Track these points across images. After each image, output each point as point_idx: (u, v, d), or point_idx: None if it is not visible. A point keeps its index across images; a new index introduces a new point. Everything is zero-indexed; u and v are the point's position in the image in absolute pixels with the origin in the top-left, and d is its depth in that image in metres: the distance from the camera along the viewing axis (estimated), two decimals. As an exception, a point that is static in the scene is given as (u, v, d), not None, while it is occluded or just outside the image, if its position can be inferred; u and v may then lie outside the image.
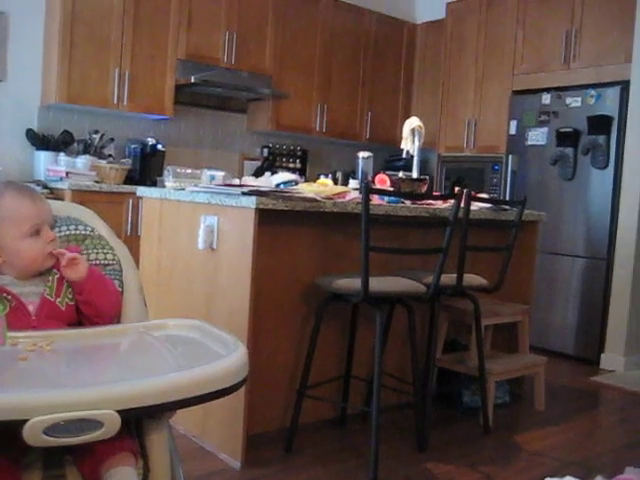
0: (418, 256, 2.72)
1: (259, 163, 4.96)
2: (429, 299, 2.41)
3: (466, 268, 2.50)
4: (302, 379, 2.36)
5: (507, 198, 4.38)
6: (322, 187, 2.50)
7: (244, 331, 2.17)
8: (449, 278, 2.45)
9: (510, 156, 4.47)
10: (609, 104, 3.97)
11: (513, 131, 4.46)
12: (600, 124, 3.97)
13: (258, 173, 4.36)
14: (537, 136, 4.32)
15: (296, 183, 2.59)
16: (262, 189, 2.24)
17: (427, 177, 2.85)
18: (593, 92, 4.04)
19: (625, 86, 3.91)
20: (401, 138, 2.97)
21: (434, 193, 2.74)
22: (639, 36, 3.84)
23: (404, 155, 2.92)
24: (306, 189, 2.41)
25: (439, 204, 2.72)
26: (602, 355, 3.95)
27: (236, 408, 2.21)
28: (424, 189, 2.66)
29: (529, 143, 4.36)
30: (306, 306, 2.51)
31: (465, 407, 2.93)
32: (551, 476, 2.00)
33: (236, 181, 2.65)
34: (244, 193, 2.17)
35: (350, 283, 2.21)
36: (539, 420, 2.92)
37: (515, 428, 2.82)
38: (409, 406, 2.74)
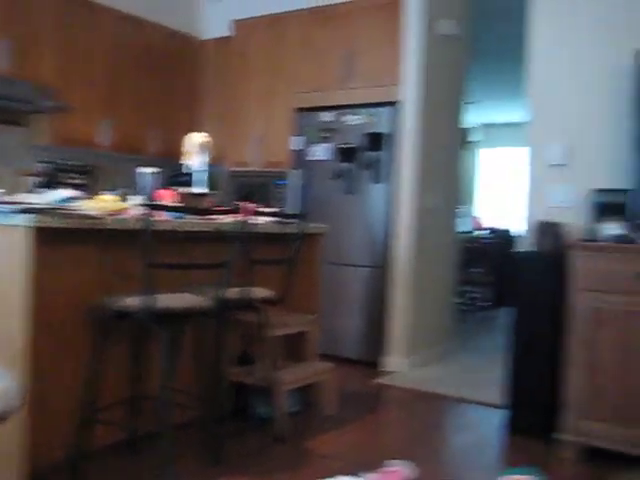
0: (209, 271, 2.84)
1: (39, 179, 4.78)
2: (216, 314, 2.53)
3: (256, 281, 2.68)
4: (86, 403, 2.36)
5: (295, 212, 4.73)
6: (103, 203, 2.56)
7: (20, 357, 2.15)
8: (235, 292, 2.61)
9: (295, 171, 4.84)
10: (384, 122, 4.51)
11: (297, 147, 4.83)
12: (376, 141, 4.50)
13: (37, 189, 4.22)
14: (320, 152, 4.74)
15: (77, 200, 2.59)
16: (38, 206, 2.25)
17: (210, 192, 3.01)
18: (369, 111, 4.56)
19: (396, 106, 4.48)
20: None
21: (218, 208, 2.91)
22: (406, 61, 4.44)
23: (184, 170, 3.03)
24: (87, 206, 2.46)
25: (224, 219, 2.89)
26: (384, 357, 4.45)
27: (11, 441, 2.18)
28: (209, 204, 2.83)
29: (313, 158, 4.75)
30: (92, 327, 2.51)
31: (259, 418, 3.11)
32: (330, 476, 2.26)
33: (10, 197, 2.59)
34: (17, 211, 2.17)
35: (134, 301, 2.27)
36: (330, 425, 3.18)
37: (307, 434, 3.03)
38: (202, 422, 2.88)
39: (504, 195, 10.47)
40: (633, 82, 2.97)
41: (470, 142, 10.37)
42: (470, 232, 8.65)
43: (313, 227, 3.40)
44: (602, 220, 3.06)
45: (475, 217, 9.57)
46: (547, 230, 3.11)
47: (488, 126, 11.30)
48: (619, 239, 2.80)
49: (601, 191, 3.18)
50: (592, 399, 2.79)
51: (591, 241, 2.89)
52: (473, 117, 10.42)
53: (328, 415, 3.32)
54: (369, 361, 4.42)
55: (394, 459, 2.51)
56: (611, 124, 3.30)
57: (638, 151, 2.97)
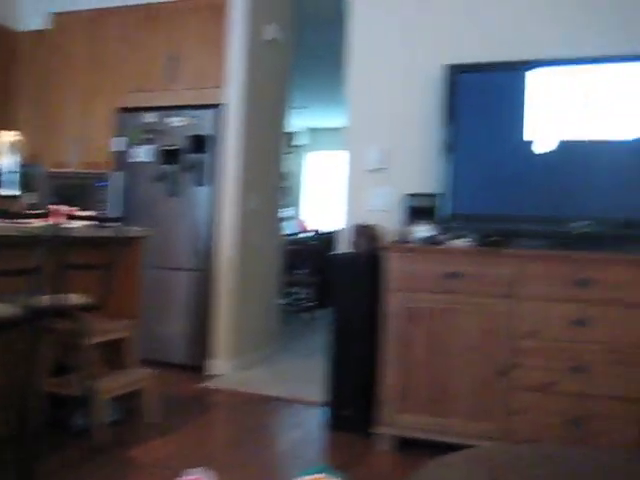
0: (20, 279, 2.72)
1: None
2: (27, 323, 2.43)
3: (73, 288, 2.59)
4: None
5: (117, 215, 4.62)
6: None
7: None
8: (48, 299, 2.52)
9: (117, 173, 4.73)
10: (207, 125, 4.54)
11: (120, 148, 4.71)
12: (199, 143, 4.52)
13: None
14: (143, 153, 4.66)
15: None
16: None
17: (22, 194, 2.87)
18: (193, 113, 4.57)
19: (220, 108, 4.53)
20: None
21: (31, 211, 2.78)
22: (231, 64, 4.52)
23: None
24: None
25: (35, 222, 2.76)
26: (209, 361, 4.49)
27: None
28: (20, 207, 2.70)
29: (136, 160, 4.67)
30: None
31: (78, 430, 3.01)
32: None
33: None
34: None
35: None
36: (153, 432, 3.14)
37: (129, 443, 2.98)
38: (14, 438, 2.75)
39: (329, 198, 10.90)
40: (442, 94, 3.27)
41: (296, 146, 10.67)
42: (296, 234, 8.92)
43: (133, 230, 3.36)
44: (414, 223, 3.33)
45: (301, 219, 9.87)
46: (363, 232, 3.31)
47: (314, 130, 11.69)
48: (428, 241, 3.06)
49: (413, 195, 3.45)
50: (405, 393, 3.02)
51: (403, 243, 3.13)
52: (299, 121, 10.73)
53: (151, 422, 3.28)
54: (195, 365, 4.42)
55: (201, 466, 2.54)
56: (424, 131, 3.59)
57: (446, 158, 3.25)
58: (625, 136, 2.99)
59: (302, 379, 4.34)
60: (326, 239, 6.75)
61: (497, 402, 2.88)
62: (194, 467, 2.59)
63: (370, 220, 3.47)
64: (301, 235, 8.56)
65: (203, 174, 4.45)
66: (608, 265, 2.76)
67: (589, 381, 2.77)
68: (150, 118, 4.60)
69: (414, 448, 3.02)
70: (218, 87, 4.48)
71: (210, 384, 4.10)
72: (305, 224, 9.01)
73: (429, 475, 1.86)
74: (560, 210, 3.07)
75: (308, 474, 2.25)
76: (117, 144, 4.69)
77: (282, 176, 5.31)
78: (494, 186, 3.18)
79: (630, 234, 2.95)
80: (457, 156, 3.24)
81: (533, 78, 3.15)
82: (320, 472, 2.26)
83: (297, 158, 11.24)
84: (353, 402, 3.24)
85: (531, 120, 3.14)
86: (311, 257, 6.99)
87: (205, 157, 4.45)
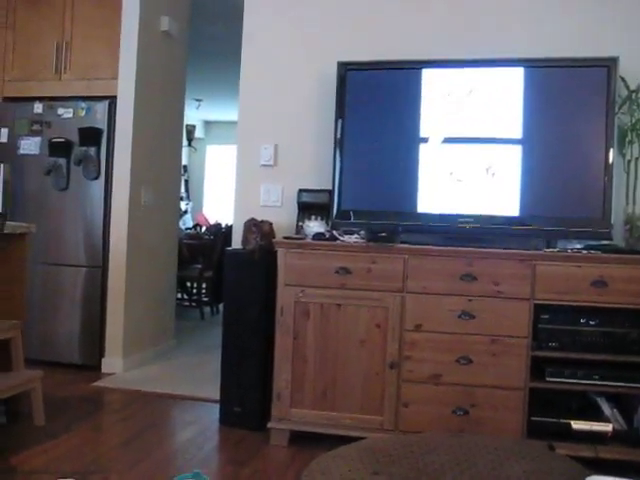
0: None
1: None
2: None
3: None
4: None
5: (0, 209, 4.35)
6: None
7: None
8: None
9: (1, 165, 4.44)
10: (99, 117, 4.35)
11: (4, 139, 4.45)
12: (91, 136, 4.32)
13: None
14: (30, 145, 4.41)
15: None
16: None
17: None
18: (84, 104, 4.36)
19: (113, 101, 4.35)
20: None
21: None
22: (124, 55, 4.34)
23: None
24: None
25: None
26: (103, 359, 4.32)
27: None
28: None
29: (22, 152, 4.41)
30: None
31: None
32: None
33: None
34: None
35: None
36: (40, 436, 2.99)
37: (13, 449, 2.81)
38: None
39: (228, 192, 10.79)
40: (336, 90, 3.26)
41: (196, 139, 10.47)
42: (195, 228, 8.77)
43: (17, 226, 3.16)
44: (306, 219, 3.32)
45: (200, 213, 9.71)
46: (255, 228, 3.27)
47: (212, 123, 11.52)
48: (318, 237, 3.06)
49: (306, 191, 3.44)
50: (298, 388, 3.01)
51: (294, 239, 3.11)
52: (200, 114, 10.54)
53: (39, 426, 3.13)
54: (89, 364, 4.26)
55: (88, 468, 2.45)
56: (319, 128, 3.58)
57: (337, 154, 3.25)
58: (505, 135, 3.08)
59: (198, 376, 4.26)
60: (224, 234, 6.65)
61: (387, 394, 2.92)
62: (79, 471, 2.47)
63: (264, 216, 3.42)
64: (199, 229, 8.42)
65: (95, 168, 4.26)
66: (491, 260, 2.85)
67: (474, 371, 2.85)
68: (38, 109, 4.36)
69: (309, 442, 3.02)
70: (112, 79, 4.30)
71: (103, 383, 3.96)
72: (206, 218, 8.85)
73: (320, 467, 1.84)
74: (448, 207, 3.13)
75: (180, 480, 2.20)
76: (2, 135, 4.42)
77: (181, 170, 5.18)
78: (383, 182, 3.22)
79: (511, 231, 3.05)
80: (347, 152, 3.26)
81: (418, 77, 3.20)
82: (191, 478, 2.22)
83: (198, 151, 11.04)
84: (247, 398, 3.20)
85: (418, 118, 3.18)
86: (208, 252, 6.88)
87: (97, 150, 4.26)
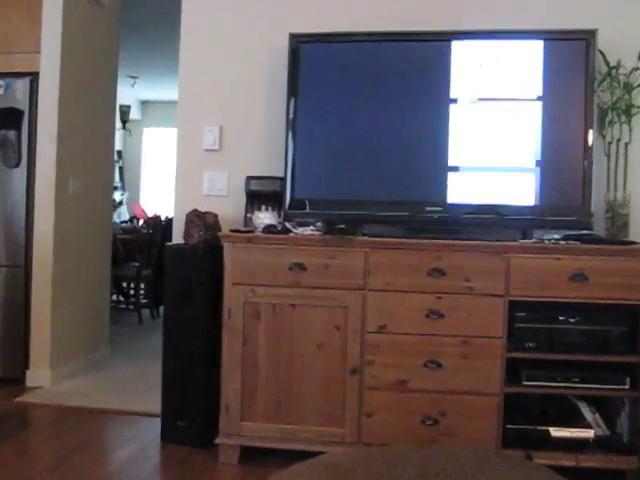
0: None
1: None
2: None
3: None
4: None
5: None
6: None
7: None
8: None
9: None
10: (19, 96, 4.19)
11: None
12: (9, 118, 4.17)
13: None
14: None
15: None
16: None
17: None
18: (1, 82, 4.21)
19: (35, 77, 4.21)
20: None
21: None
22: (46, 28, 4.19)
23: None
24: None
25: None
26: (28, 372, 4.19)
27: None
28: None
29: None
30: None
31: None
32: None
33: None
34: None
35: None
36: None
37: None
38: None
39: (168, 180, 10.66)
40: (288, 65, 3.22)
41: (131, 121, 10.29)
42: (131, 221, 8.62)
43: None
44: (256, 209, 3.27)
45: (137, 205, 9.56)
46: (198, 220, 3.22)
47: (152, 103, 11.35)
48: (269, 229, 3.01)
49: (255, 178, 3.39)
50: (249, 399, 2.96)
51: (242, 232, 3.06)
52: (135, 93, 10.36)
53: (-49, 449, 3.01)
54: (10, 378, 4.15)
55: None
56: (269, 107, 3.54)
57: (291, 137, 3.21)
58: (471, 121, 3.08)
59: (136, 387, 4.20)
60: (164, 227, 6.55)
61: (349, 404, 2.90)
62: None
63: (208, 206, 3.37)
64: (137, 222, 8.29)
65: (15, 154, 4.13)
66: (461, 253, 2.85)
67: (444, 376, 2.85)
68: (-54, 86, 4.18)
69: (262, 458, 2.99)
70: (33, 52, 4.16)
71: (28, 398, 3.87)
72: (144, 210, 8.72)
73: (273, 488, 1.79)
74: (414, 195, 3.12)
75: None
76: None
77: (114, 156, 5.07)
78: (342, 168, 3.21)
79: (483, 221, 3.05)
80: (301, 135, 3.23)
81: (377, 51, 3.19)
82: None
83: (133, 135, 10.86)
84: (192, 411, 3.15)
85: (378, 98, 3.16)
86: (146, 248, 6.76)
87: (17, 134, 4.12)
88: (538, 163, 3.06)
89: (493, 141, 3.10)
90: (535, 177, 3.07)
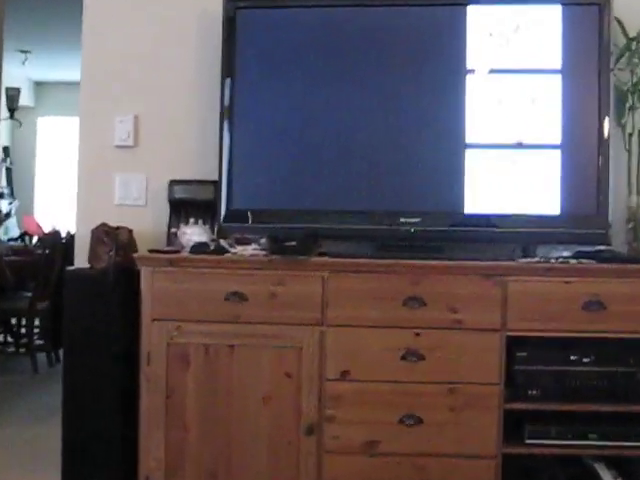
0: None
1: None
2: None
3: None
4: None
5: None
6: None
7: None
8: None
9: None
10: None
11: None
12: None
13: None
14: None
15: None
16: None
17: None
18: None
19: None
20: None
21: None
22: None
23: None
24: None
25: None
26: None
27: None
28: None
29: None
30: None
31: None
32: None
33: None
34: None
35: None
36: None
37: None
38: None
39: (70, 185, 10.57)
40: (222, 37, 3.22)
41: (21, 108, 10.17)
42: (22, 238, 8.52)
43: None
44: (182, 223, 3.27)
45: (31, 217, 9.47)
46: (107, 238, 3.20)
47: (49, 85, 11.27)
48: (200, 248, 3.01)
49: (182, 183, 3.39)
50: (177, 468, 2.95)
51: (166, 252, 3.05)
52: (27, 72, 10.27)
53: None
54: None
55: None
56: (198, 91, 3.54)
57: (227, 129, 3.22)
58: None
59: (30, 455, 4.18)
60: (63, 246, 6.50)
61: (304, 471, 2.91)
62: None
63: (120, 220, 3.35)
64: (29, 240, 8.20)
65: None
66: (445, 276, 2.88)
67: (425, 435, 2.88)
68: None
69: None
70: None
71: None
72: (39, 224, 8.64)
73: None
74: (385, 202, 3.16)
75: None
76: None
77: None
78: (294, 169, 3.23)
79: (472, 234, 3.09)
80: (240, 126, 3.25)
81: (338, 19, 3.22)
82: None
83: (25, 126, 10.74)
84: (103, 477, 3.12)
85: (341, 79, 3.19)
86: (42, 273, 6.69)
87: None
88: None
89: (483, 135, 3.14)
90: (536, 179, 3.11)
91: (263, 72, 3.27)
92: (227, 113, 3.25)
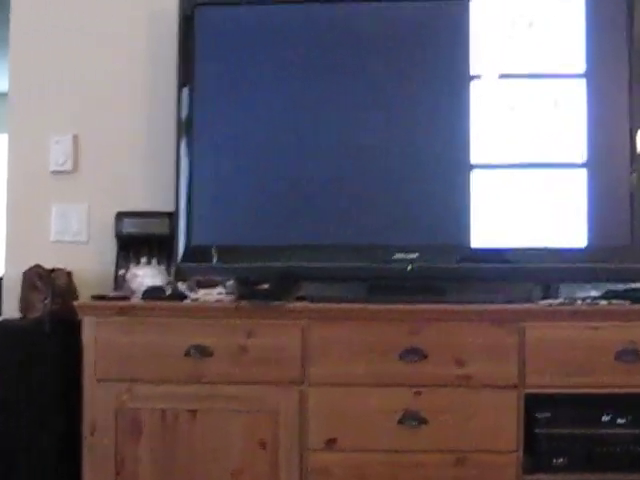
0: None
1: None
2: None
3: None
4: None
5: None
6: None
7: None
8: None
9: None
10: None
11: None
12: None
13: None
14: None
15: None
16: None
17: None
18: None
19: None
20: None
21: None
22: None
23: None
24: None
25: None
26: None
27: None
28: None
29: None
30: None
31: None
32: None
33: None
34: None
35: None
36: None
37: None
38: None
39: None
40: (178, 40, 3.24)
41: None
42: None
43: None
44: (133, 262, 3.27)
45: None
46: (42, 282, 3.20)
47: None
48: (154, 294, 3.02)
49: (131, 215, 3.39)
50: None
51: (114, 299, 3.05)
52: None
53: None
54: None
55: None
56: (150, 104, 3.59)
57: (184, 148, 3.26)
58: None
59: None
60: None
61: None
62: None
63: (57, 260, 3.35)
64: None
65: None
66: (449, 323, 2.89)
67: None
68: None
69: None
70: None
71: None
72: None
73: None
74: (378, 235, 3.16)
75: None
76: None
77: None
78: (266, 197, 3.22)
79: (481, 272, 3.11)
80: (201, 145, 3.27)
81: (318, 16, 3.27)
82: None
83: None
84: None
85: (318, 86, 3.21)
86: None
87: None
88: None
89: (492, 154, 3.16)
90: (557, 202, 3.13)
91: (227, 80, 3.29)
92: (185, 130, 3.27)
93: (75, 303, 3.07)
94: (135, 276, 3.11)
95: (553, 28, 3.12)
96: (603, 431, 2.88)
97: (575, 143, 3.11)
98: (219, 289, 3.06)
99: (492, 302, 2.95)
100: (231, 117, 3.24)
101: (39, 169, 3.61)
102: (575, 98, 3.12)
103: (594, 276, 3.09)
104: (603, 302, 2.93)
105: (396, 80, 3.21)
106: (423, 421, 2.88)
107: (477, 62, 3.16)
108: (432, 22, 3.22)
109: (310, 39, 3.23)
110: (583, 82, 3.14)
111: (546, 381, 2.89)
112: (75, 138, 3.59)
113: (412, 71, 3.20)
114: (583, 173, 3.12)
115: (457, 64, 3.17)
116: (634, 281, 3.04)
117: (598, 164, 3.13)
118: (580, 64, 3.13)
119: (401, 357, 2.89)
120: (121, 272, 3.26)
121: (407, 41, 3.22)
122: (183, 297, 3.03)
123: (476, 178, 3.17)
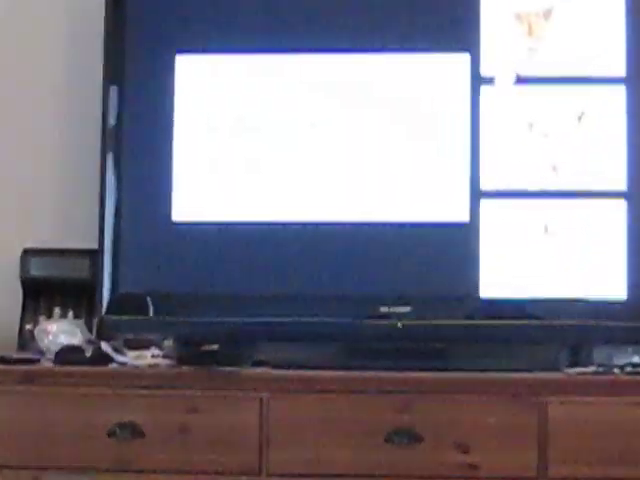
0: None
1: None
2: None
3: None
4: None
5: None
6: None
7: None
8: None
9: None
10: None
11: None
12: None
13: None
14: None
15: None
16: None
17: None
18: None
19: None
20: None
21: None
22: None
23: None
24: None
25: None
26: None
27: None
28: None
29: None
30: None
31: None
32: None
33: None
34: None
35: None
36: None
37: None
38: None
39: None
40: (105, 23, 3.26)
41: None
42: None
43: None
44: (43, 315, 3.28)
45: None
46: None
47: None
48: (70, 356, 3.02)
49: (41, 254, 3.40)
50: None
51: (18, 362, 3.06)
52: None
53: None
54: None
55: None
56: (68, 107, 3.64)
57: (111, 165, 3.27)
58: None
59: None
60: None
61: None
62: None
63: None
64: None
65: None
66: (450, 396, 2.92)
67: None
68: None
69: None
70: None
71: None
72: None
73: None
74: (357, 284, 3.19)
75: None
76: None
77: None
78: (215, 234, 3.22)
79: (491, 331, 3.13)
80: (132, 164, 3.30)
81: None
82: None
83: None
84: None
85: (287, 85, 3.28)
86: None
87: None
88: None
89: (506, 178, 3.20)
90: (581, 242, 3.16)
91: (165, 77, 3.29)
92: (113, 141, 3.27)
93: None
94: (46, 332, 3.10)
95: (583, 21, 3.13)
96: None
97: (612, 167, 3.10)
98: (154, 350, 3.07)
99: (506, 370, 2.94)
100: (165, 133, 3.23)
101: None
102: (612, 110, 3.12)
103: (636, 337, 3.08)
104: (647, 371, 2.93)
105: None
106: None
107: (487, 62, 3.19)
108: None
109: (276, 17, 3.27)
110: (622, 89, 3.14)
111: (574, 471, 2.89)
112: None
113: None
114: (622, 204, 3.11)
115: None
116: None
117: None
118: (619, 67, 3.12)
119: (387, 440, 2.90)
120: (28, 327, 3.25)
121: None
122: (108, 360, 3.03)
123: (487, 208, 3.13)
